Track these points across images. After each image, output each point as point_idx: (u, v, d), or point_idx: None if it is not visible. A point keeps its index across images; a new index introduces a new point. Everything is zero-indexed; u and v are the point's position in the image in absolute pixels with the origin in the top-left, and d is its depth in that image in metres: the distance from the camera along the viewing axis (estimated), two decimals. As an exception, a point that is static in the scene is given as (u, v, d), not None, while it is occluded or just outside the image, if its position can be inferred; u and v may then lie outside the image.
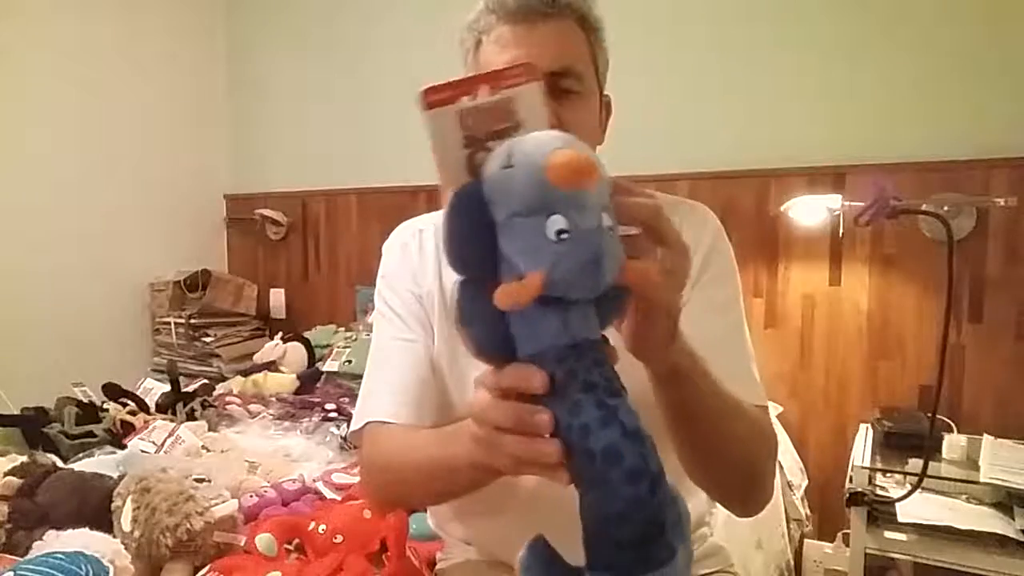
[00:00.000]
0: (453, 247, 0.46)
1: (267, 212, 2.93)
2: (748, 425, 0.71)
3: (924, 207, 1.62)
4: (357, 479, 1.43)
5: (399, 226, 0.96)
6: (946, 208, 1.66)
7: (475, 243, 0.45)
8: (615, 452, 0.42)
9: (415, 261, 0.91)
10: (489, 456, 0.49)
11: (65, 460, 1.56)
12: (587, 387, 0.44)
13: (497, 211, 0.44)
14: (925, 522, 1.43)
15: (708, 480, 0.74)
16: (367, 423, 0.84)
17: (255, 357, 2.44)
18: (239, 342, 2.72)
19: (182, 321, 2.68)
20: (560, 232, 0.41)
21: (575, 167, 0.41)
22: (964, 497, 1.51)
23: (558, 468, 0.45)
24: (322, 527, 1.10)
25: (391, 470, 0.81)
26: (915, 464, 1.50)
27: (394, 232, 0.96)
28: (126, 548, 1.03)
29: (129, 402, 1.92)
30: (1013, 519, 1.41)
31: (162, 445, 1.62)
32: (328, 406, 1.95)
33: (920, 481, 1.45)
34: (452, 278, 0.87)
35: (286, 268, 3.00)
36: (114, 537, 1.05)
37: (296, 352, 2.42)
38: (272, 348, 2.41)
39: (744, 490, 0.75)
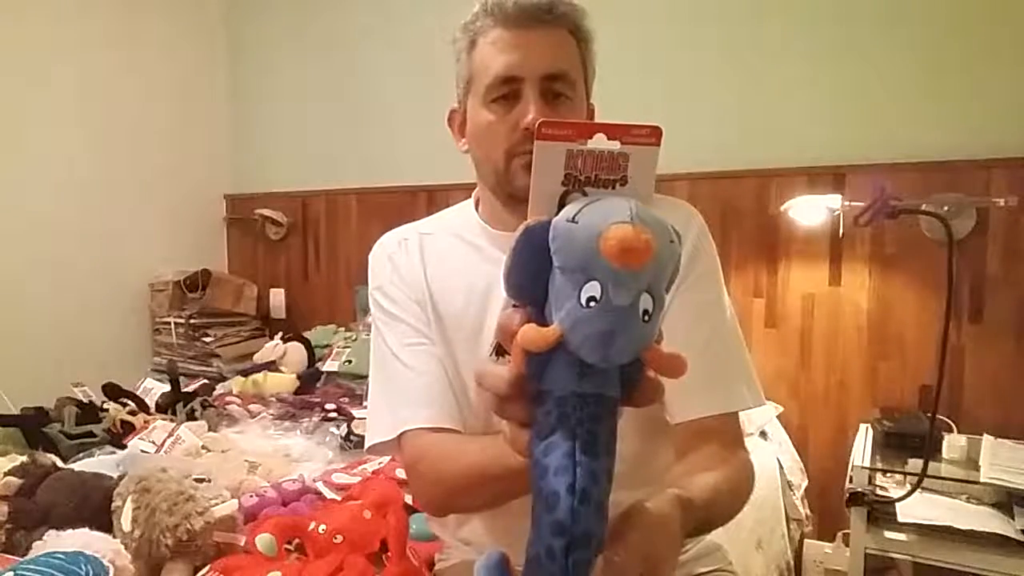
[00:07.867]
0: (512, 276, 0.48)
1: (267, 212, 2.93)
2: (732, 500, 0.74)
3: (924, 207, 1.62)
4: (357, 479, 1.43)
5: (382, 237, 0.97)
6: (946, 208, 1.66)
7: (532, 277, 0.46)
8: (553, 501, 0.44)
9: (404, 269, 0.91)
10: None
11: (65, 460, 1.56)
12: (568, 435, 0.45)
13: (554, 256, 0.45)
14: (925, 522, 1.43)
15: None
16: (404, 432, 0.84)
17: (255, 357, 2.44)
18: (239, 342, 2.73)
19: (182, 321, 2.68)
20: (590, 299, 0.43)
21: (626, 246, 0.42)
22: (964, 497, 1.52)
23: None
24: (322, 527, 1.10)
25: (445, 482, 0.80)
26: (915, 464, 1.50)
27: (378, 243, 0.96)
28: (126, 548, 1.03)
29: (129, 402, 1.92)
30: (1013, 519, 1.41)
31: (162, 445, 1.62)
32: (328, 406, 1.95)
33: (920, 481, 1.45)
34: (438, 284, 0.88)
35: (286, 268, 3.00)
36: (114, 537, 1.05)
37: (296, 352, 2.42)
38: (272, 348, 2.41)
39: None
